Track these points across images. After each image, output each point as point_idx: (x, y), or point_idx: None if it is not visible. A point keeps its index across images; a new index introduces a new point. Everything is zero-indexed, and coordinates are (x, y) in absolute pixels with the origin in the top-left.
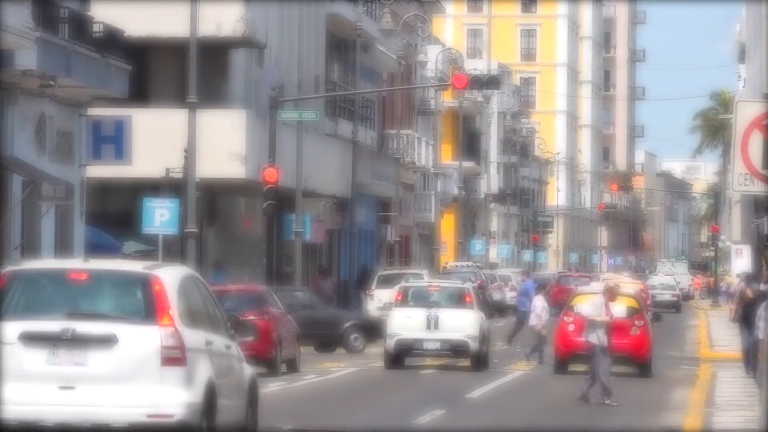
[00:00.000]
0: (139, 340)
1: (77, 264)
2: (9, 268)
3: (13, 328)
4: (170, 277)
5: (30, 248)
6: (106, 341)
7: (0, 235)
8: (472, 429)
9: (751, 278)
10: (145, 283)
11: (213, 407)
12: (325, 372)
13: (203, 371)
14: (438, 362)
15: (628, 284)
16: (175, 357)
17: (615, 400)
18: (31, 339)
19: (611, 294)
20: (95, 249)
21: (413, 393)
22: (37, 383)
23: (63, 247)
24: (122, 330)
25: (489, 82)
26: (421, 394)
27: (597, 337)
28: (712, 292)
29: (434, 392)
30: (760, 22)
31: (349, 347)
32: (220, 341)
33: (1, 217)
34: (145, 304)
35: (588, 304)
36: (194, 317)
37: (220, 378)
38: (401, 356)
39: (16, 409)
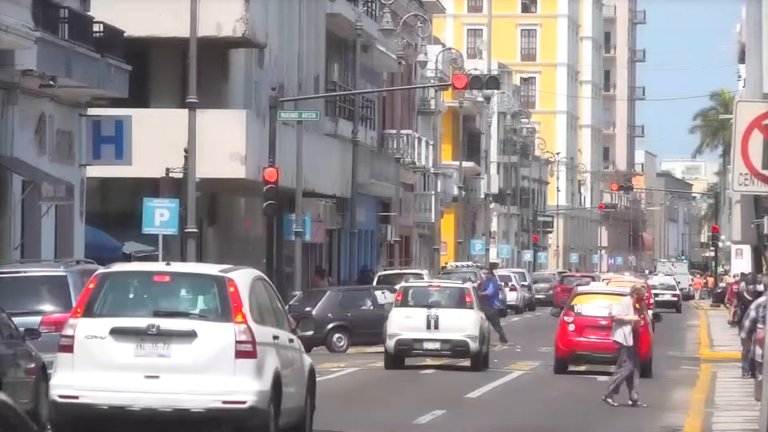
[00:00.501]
0: (216, 335)
1: (161, 267)
2: (100, 271)
3: (105, 324)
4: (242, 278)
5: (30, 248)
6: (187, 336)
7: (0, 235)
8: (472, 429)
9: (750, 279)
10: (220, 284)
11: (279, 395)
12: (325, 372)
13: (271, 363)
14: (438, 362)
15: (631, 283)
16: (247, 350)
17: (616, 400)
18: (120, 334)
19: (639, 295)
20: (95, 249)
21: (413, 393)
22: (126, 373)
23: (63, 247)
24: (201, 326)
25: (489, 82)
26: (421, 394)
27: (623, 336)
28: (712, 292)
29: (434, 392)
30: (760, 22)
31: (331, 347)
32: (284, 336)
33: (1, 217)
34: (220, 303)
35: (617, 304)
36: (263, 314)
37: (285, 368)
38: (401, 356)
39: (107, 396)
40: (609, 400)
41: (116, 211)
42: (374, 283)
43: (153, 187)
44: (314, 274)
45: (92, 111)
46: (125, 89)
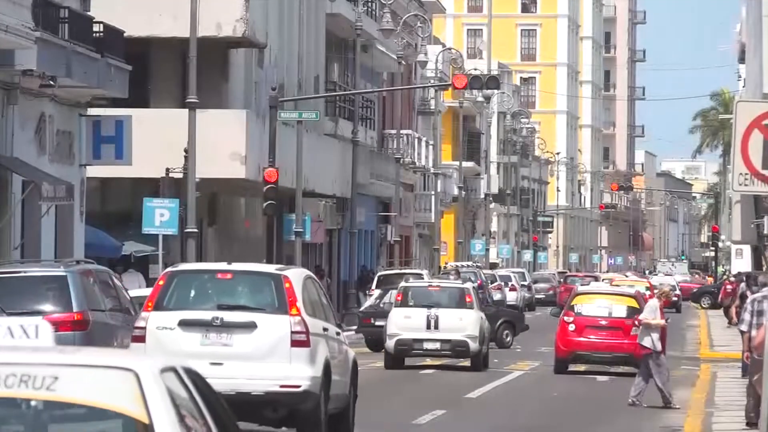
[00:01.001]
0: (274, 327)
1: (223, 266)
2: (169, 269)
3: (174, 316)
4: (296, 276)
5: (30, 248)
6: (248, 327)
7: (0, 235)
8: (472, 429)
9: (753, 279)
10: (277, 281)
11: (328, 381)
12: None
13: (322, 352)
14: (438, 362)
15: (635, 283)
16: (301, 340)
17: (676, 403)
18: (188, 325)
19: (666, 298)
20: (95, 249)
21: (413, 393)
22: (193, 360)
23: (63, 247)
24: (260, 318)
25: (489, 82)
26: (421, 394)
27: (651, 341)
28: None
29: (434, 392)
30: (760, 22)
31: (501, 343)
32: (332, 328)
33: (1, 217)
34: (277, 298)
35: (645, 308)
36: (314, 308)
37: (333, 358)
38: (401, 356)
39: None
40: (670, 405)
41: (116, 211)
42: (374, 283)
43: (153, 187)
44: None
45: (92, 111)
46: (125, 89)
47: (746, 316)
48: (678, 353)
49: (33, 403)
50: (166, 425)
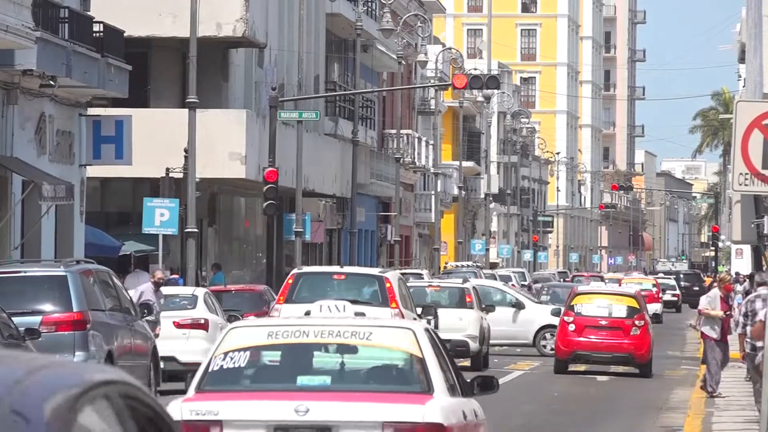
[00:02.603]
0: (378, 316)
1: (337, 269)
2: (295, 271)
3: (301, 308)
4: (393, 276)
5: (30, 248)
6: (359, 316)
7: (0, 235)
8: None
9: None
10: (380, 281)
11: None
12: None
13: None
14: None
15: (643, 280)
16: None
17: (720, 393)
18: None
19: (726, 289)
20: (95, 249)
21: None
22: None
23: (63, 247)
24: (368, 310)
25: (489, 82)
26: None
27: (713, 329)
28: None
29: None
30: (760, 22)
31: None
32: (416, 317)
33: (1, 217)
34: (381, 294)
35: (704, 297)
36: (405, 302)
37: None
38: None
39: None
40: (711, 390)
41: (116, 211)
42: None
43: (153, 187)
44: None
45: (92, 111)
46: (125, 89)
47: (740, 318)
48: (678, 353)
49: (360, 347)
50: (431, 359)
